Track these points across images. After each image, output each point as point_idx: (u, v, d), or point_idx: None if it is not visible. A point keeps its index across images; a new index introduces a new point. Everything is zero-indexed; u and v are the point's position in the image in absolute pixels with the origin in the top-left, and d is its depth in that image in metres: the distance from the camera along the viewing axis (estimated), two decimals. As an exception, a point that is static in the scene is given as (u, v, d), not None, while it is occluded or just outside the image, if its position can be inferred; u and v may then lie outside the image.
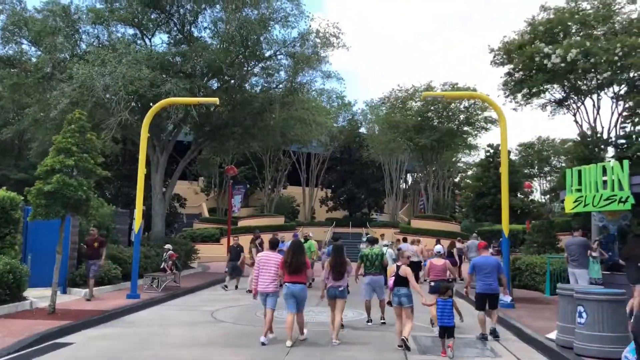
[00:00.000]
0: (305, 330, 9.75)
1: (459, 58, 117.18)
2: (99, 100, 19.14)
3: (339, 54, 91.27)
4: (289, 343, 9.00)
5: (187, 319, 12.06)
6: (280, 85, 25.78)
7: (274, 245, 9.76)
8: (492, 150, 26.81)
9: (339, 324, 9.47)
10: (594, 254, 12.19)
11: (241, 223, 38.92)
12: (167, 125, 22.91)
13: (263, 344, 9.12)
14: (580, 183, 12.88)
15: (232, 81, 24.32)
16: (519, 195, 25.37)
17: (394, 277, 8.94)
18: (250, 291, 16.55)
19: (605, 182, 12.18)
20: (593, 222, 16.08)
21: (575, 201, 12.97)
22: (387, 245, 17.68)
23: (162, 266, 17.47)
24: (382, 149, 43.54)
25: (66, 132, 11.22)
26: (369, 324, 11.22)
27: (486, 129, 41.84)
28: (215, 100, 15.45)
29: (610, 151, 20.73)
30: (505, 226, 13.71)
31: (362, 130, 50.58)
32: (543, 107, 25.09)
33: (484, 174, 25.60)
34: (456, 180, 65.45)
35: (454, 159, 56.58)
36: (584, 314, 8.08)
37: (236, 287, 17.86)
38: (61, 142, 11.11)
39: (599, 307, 7.92)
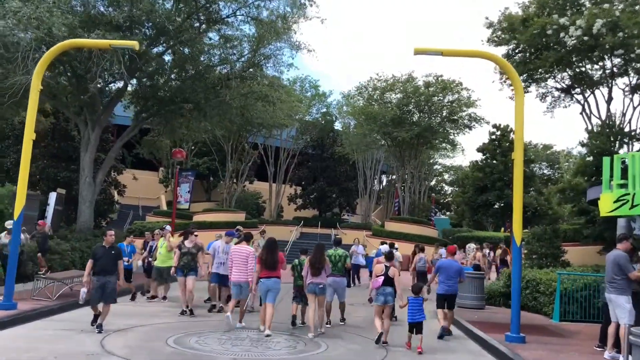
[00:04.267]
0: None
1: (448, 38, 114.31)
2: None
3: (323, 42, 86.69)
4: (262, 328, 9.73)
5: (59, 347, 8.20)
6: (243, 58, 22.07)
7: (248, 238, 10.71)
8: (498, 133, 22.13)
9: (321, 317, 10.19)
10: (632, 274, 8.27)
11: (196, 218, 34.90)
12: (95, 90, 18.77)
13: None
14: (624, 176, 9.40)
15: (184, 49, 20.49)
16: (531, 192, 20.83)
17: (382, 277, 9.46)
18: (209, 299, 13.14)
19: (664, 174, 8.71)
20: (620, 230, 12.70)
21: (617, 200, 9.48)
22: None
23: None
24: (357, 144, 40.06)
25: None
26: (328, 326, 10.97)
27: (470, 128, 38.60)
28: (135, 43, 11.51)
29: (628, 147, 17.43)
30: (517, 230, 10.04)
31: (337, 125, 47.14)
32: (543, 97, 21.67)
33: (487, 163, 21.11)
34: (432, 183, 62.76)
35: (430, 160, 53.49)
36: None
37: (99, 327, 9.42)
38: None
39: None
